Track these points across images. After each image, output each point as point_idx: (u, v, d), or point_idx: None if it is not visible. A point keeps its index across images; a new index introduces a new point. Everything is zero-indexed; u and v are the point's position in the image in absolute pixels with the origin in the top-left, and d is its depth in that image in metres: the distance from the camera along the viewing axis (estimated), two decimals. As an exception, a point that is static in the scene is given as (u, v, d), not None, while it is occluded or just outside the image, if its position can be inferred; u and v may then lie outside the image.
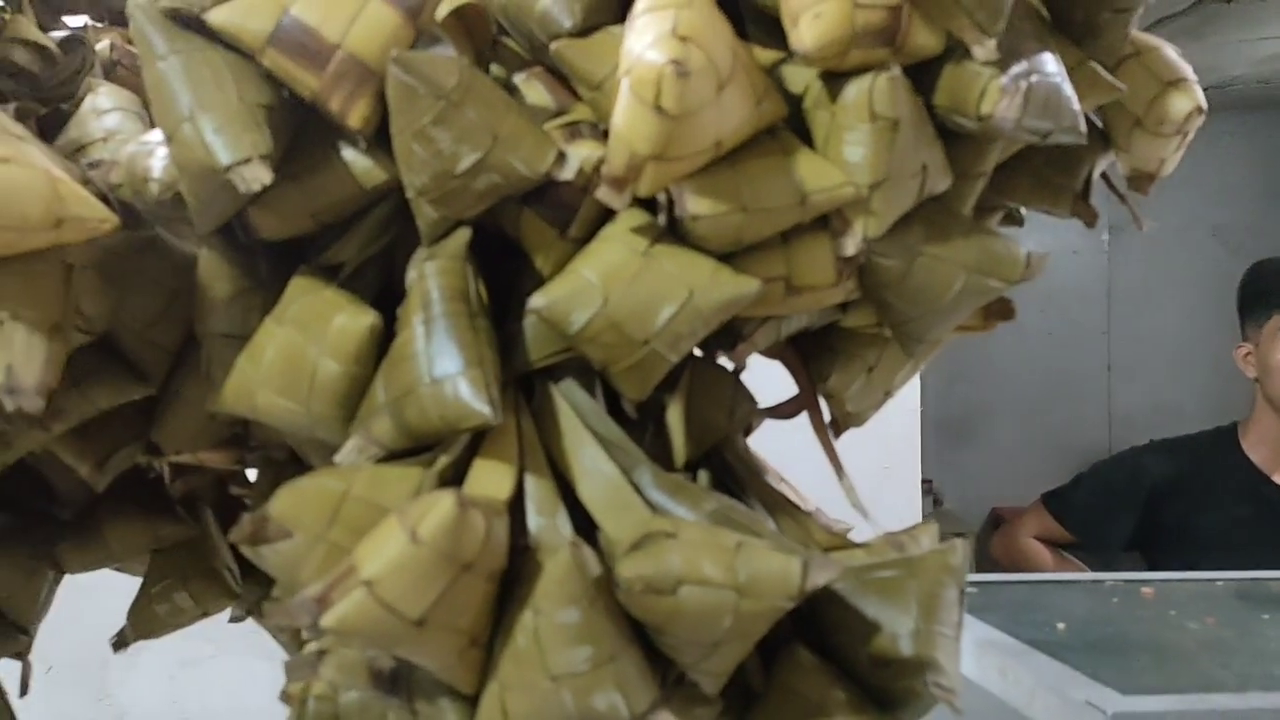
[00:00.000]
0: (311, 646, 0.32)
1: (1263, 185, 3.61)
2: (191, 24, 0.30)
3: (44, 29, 0.40)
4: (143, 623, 0.45)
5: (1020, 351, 3.63)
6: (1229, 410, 1.64)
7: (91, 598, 0.55)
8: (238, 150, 0.29)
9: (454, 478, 0.31)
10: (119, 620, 0.49)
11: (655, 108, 0.28)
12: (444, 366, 0.30)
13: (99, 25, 0.46)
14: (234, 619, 0.49)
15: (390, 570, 0.26)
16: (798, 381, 0.40)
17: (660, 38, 0.28)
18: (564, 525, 0.31)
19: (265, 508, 0.29)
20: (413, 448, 0.31)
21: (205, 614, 0.46)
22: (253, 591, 0.47)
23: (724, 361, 0.37)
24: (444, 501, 0.27)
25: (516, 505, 0.31)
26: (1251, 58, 2.82)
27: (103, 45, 0.40)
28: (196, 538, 0.46)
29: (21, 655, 0.46)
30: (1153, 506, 1.55)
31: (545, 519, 0.31)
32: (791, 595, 0.29)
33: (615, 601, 0.29)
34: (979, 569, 3.74)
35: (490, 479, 0.31)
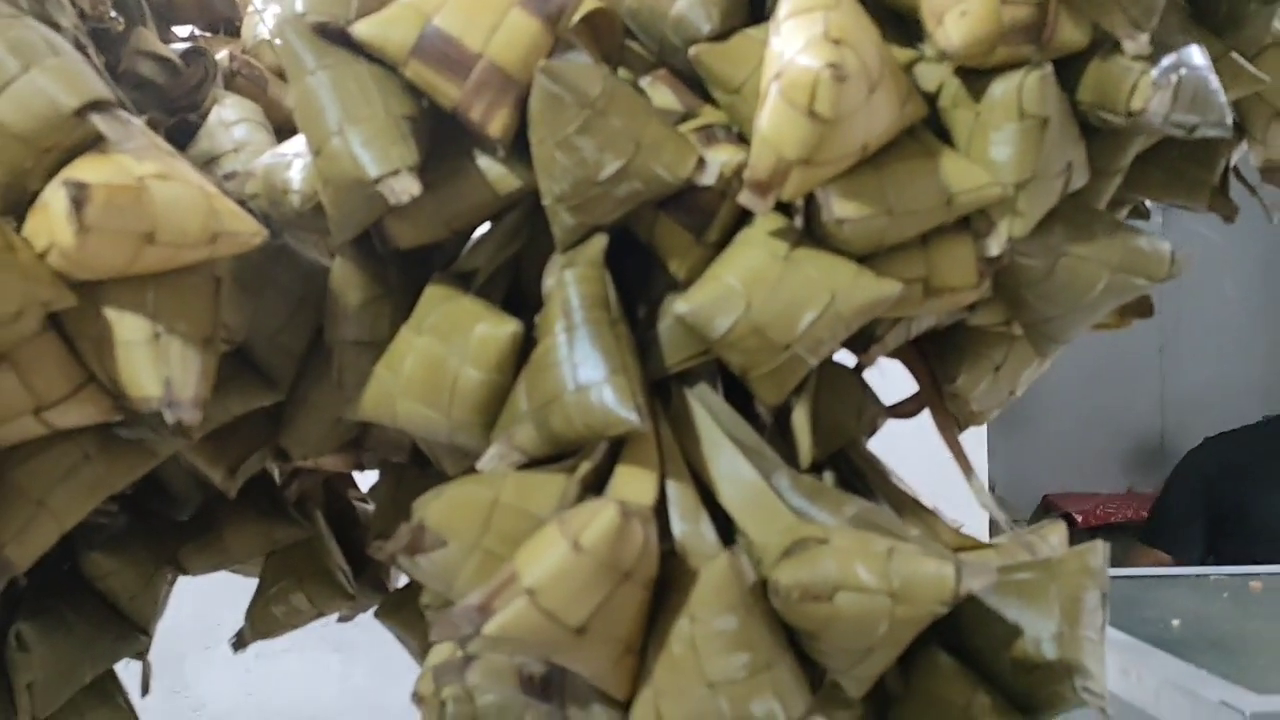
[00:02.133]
0: (448, 649, 0.33)
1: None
2: (337, 38, 0.30)
3: (165, 40, 0.40)
4: (261, 623, 0.46)
5: (1072, 335, 3.59)
6: (1281, 395, 1.61)
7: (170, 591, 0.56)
8: (386, 163, 0.29)
9: (596, 484, 0.31)
10: (196, 614, 0.49)
11: (809, 112, 0.28)
12: (588, 374, 0.30)
13: (208, 35, 0.46)
14: (343, 619, 0.50)
15: (552, 579, 0.27)
16: (920, 381, 0.40)
17: (812, 41, 0.28)
18: (708, 531, 0.31)
19: (418, 517, 0.29)
20: (554, 454, 0.32)
21: (320, 614, 0.47)
22: (365, 593, 0.47)
23: (848, 361, 0.37)
24: (606, 510, 0.27)
25: (659, 510, 0.31)
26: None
27: (221, 55, 0.41)
28: (310, 539, 0.46)
29: (142, 655, 0.47)
30: (1212, 500, 1.54)
31: (689, 524, 0.31)
32: (945, 600, 0.29)
33: (770, 608, 0.28)
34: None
35: (634, 485, 0.31)
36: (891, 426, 0.40)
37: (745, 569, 0.28)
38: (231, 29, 0.47)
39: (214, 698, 1.31)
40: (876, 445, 0.41)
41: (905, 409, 0.40)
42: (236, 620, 0.49)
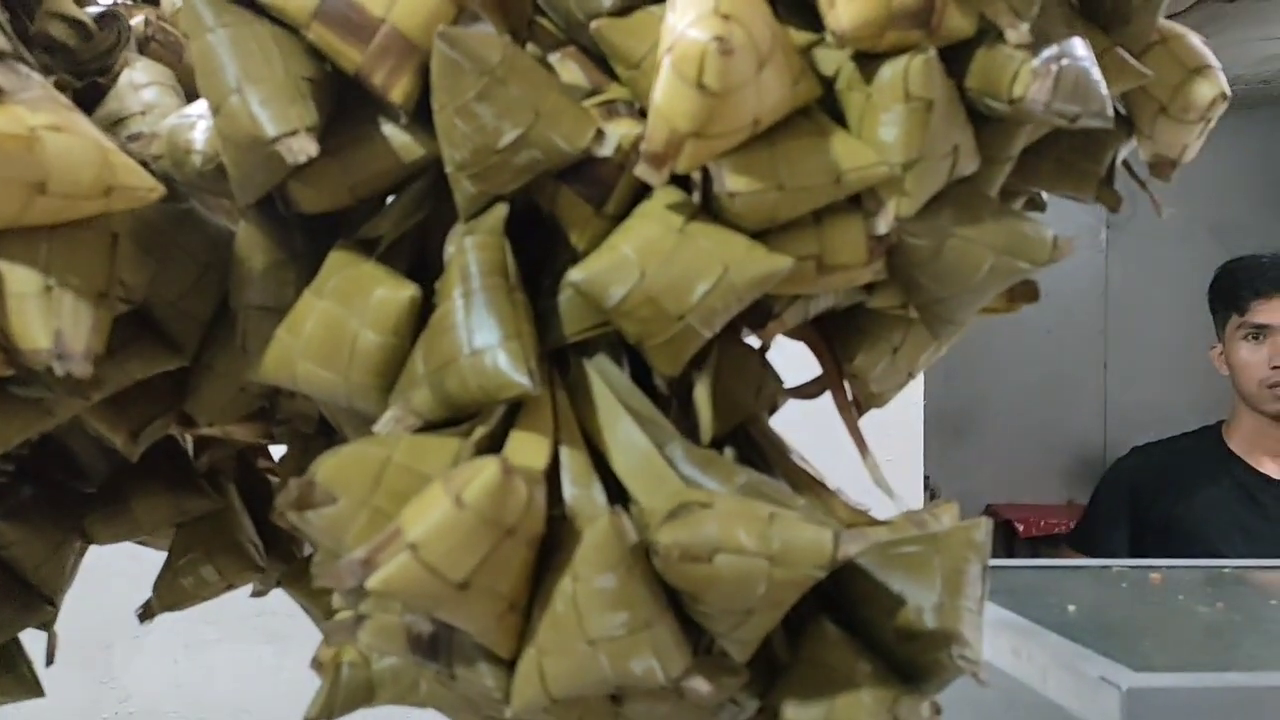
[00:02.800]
0: (347, 613, 0.33)
1: (1261, 184, 3.63)
2: (239, -2, 0.30)
3: (80, 4, 0.40)
4: (168, 595, 0.46)
5: (1017, 349, 3.64)
6: (1224, 409, 1.66)
7: (97, 581, 0.56)
8: (284, 122, 0.29)
9: (491, 448, 0.32)
10: (124, 603, 0.49)
11: (697, 85, 0.28)
12: (483, 338, 0.31)
13: (130, 2, 0.46)
14: (255, 594, 0.50)
15: (435, 533, 0.27)
16: (821, 362, 0.41)
17: (703, 15, 0.28)
18: (599, 495, 0.31)
19: (310, 474, 0.29)
20: (450, 418, 0.32)
21: (230, 587, 0.47)
22: (275, 566, 0.47)
23: (751, 340, 0.38)
24: (489, 467, 0.27)
25: (552, 475, 0.31)
26: (1253, 57, 2.84)
27: (137, 20, 0.41)
28: (221, 511, 0.46)
29: (47, 626, 0.47)
30: (1137, 507, 1.58)
31: (580, 489, 0.31)
32: (823, 564, 0.30)
33: (652, 569, 0.29)
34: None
35: (527, 449, 0.31)
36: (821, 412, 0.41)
37: (627, 529, 0.29)
38: (154, -1, 0.47)
39: (142, 689, 1.29)
40: (803, 429, 0.42)
41: (808, 390, 0.41)
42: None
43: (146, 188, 0.29)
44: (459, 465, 0.28)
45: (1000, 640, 0.61)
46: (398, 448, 0.30)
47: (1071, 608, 0.70)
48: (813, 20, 0.33)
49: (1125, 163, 0.40)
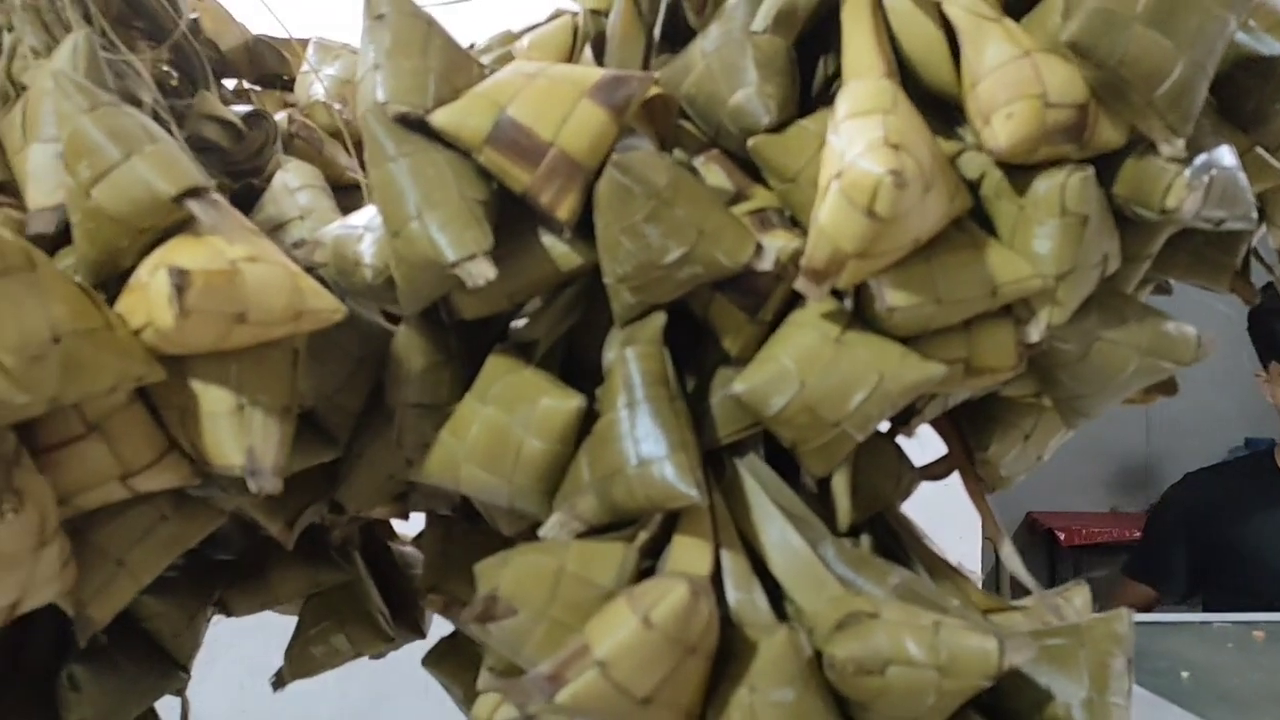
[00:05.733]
0: (486, 703, 0.34)
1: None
2: (416, 126, 0.31)
3: (225, 103, 0.42)
4: (301, 664, 0.47)
5: (1059, 356, 3.62)
6: (1268, 418, 1.63)
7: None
8: (463, 248, 0.31)
9: (653, 552, 0.33)
10: None
11: (868, 212, 0.29)
12: (650, 449, 0.32)
13: (258, 90, 0.48)
14: (374, 657, 0.51)
15: (622, 652, 0.28)
16: (950, 446, 0.41)
17: (873, 145, 0.29)
18: (760, 600, 0.32)
19: (493, 586, 0.30)
20: (611, 523, 0.33)
21: (358, 655, 0.48)
22: (402, 635, 0.49)
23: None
24: (678, 589, 0.28)
25: (714, 580, 0.32)
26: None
27: (280, 117, 0.42)
28: (350, 582, 0.48)
29: (180, 692, 0.48)
30: (1194, 535, 1.56)
31: (743, 593, 0.32)
32: (989, 675, 0.30)
33: (825, 680, 0.30)
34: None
35: (691, 555, 0.32)
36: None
37: (803, 644, 0.30)
38: (281, 84, 0.48)
39: (208, 715, 1.31)
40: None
41: (935, 471, 0.42)
42: (233, 635, 0.50)
43: (331, 309, 0.30)
44: (643, 582, 0.29)
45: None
46: (568, 556, 0.31)
47: (1185, 674, 0.69)
48: (952, 121, 0.34)
49: (1254, 248, 0.40)
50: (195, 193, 0.29)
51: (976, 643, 0.30)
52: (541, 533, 0.33)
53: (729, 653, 0.31)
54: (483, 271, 0.31)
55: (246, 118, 0.41)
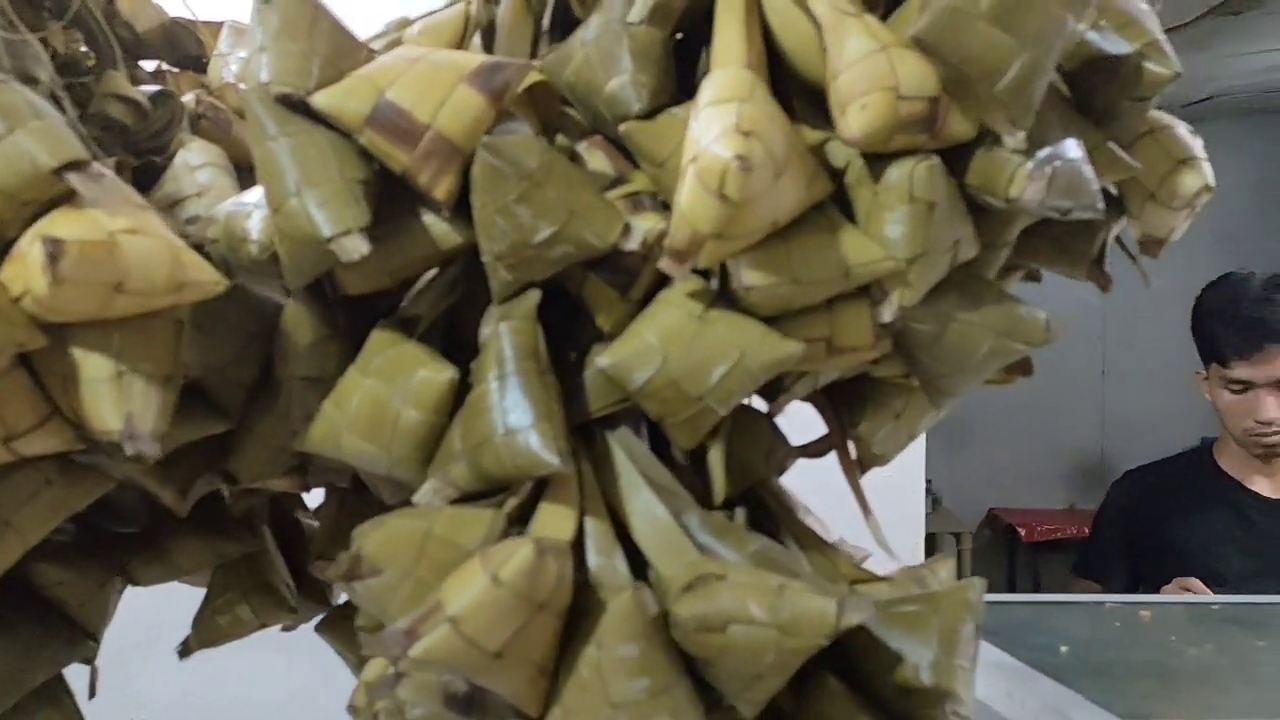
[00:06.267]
0: (380, 666, 0.36)
1: (1262, 193, 3.65)
2: (297, 107, 0.33)
3: (134, 83, 0.43)
4: (206, 633, 0.48)
5: (1018, 355, 3.68)
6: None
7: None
8: (339, 224, 0.32)
9: (521, 519, 0.34)
10: (135, 613, 0.51)
11: (719, 195, 0.31)
12: (517, 419, 0.33)
13: (175, 71, 0.49)
14: (285, 629, 0.53)
15: (473, 608, 0.30)
16: (828, 424, 0.43)
17: (726, 131, 0.31)
18: (620, 564, 0.34)
19: (357, 547, 0.32)
20: (484, 490, 0.35)
21: (263, 626, 0.49)
22: (307, 606, 0.50)
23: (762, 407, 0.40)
24: (525, 548, 0.30)
25: (577, 545, 0.34)
26: (1254, 68, 2.86)
27: (188, 98, 0.43)
28: (256, 554, 0.49)
29: (89, 660, 0.49)
30: (1132, 530, 1.59)
31: (604, 558, 0.34)
32: (828, 634, 0.32)
33: (670, 637, 0.32)
34: (974, 570, 3.78)
35: (555, 521, 0.34)
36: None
37: (648, 602, 0.31)
38: (198, 66, 0.49)
39: (155, 696, 1.31)
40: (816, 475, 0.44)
41: (814, 449, 0.44)
42: (179, 619, 0.51)
43: (213, 281, 0.32)
44: (496, 544, 0.31)
45: (996, 683, 0.64)
46: (437, 520, 0.33)
47: (1064, 648, 0.72)
48: (826, 115, 0.36)
49: (1119, 239, 0.42)
50: (77, 166, 0.30)
51: (817, 604, 0.32)
52: (415, 499, 0.34)
53: (585, 613, 0.32)
54: (357, 247, 0.32)
55: (153, 97, 0.42)
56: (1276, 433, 1.47)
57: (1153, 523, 1.57)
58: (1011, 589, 3.60)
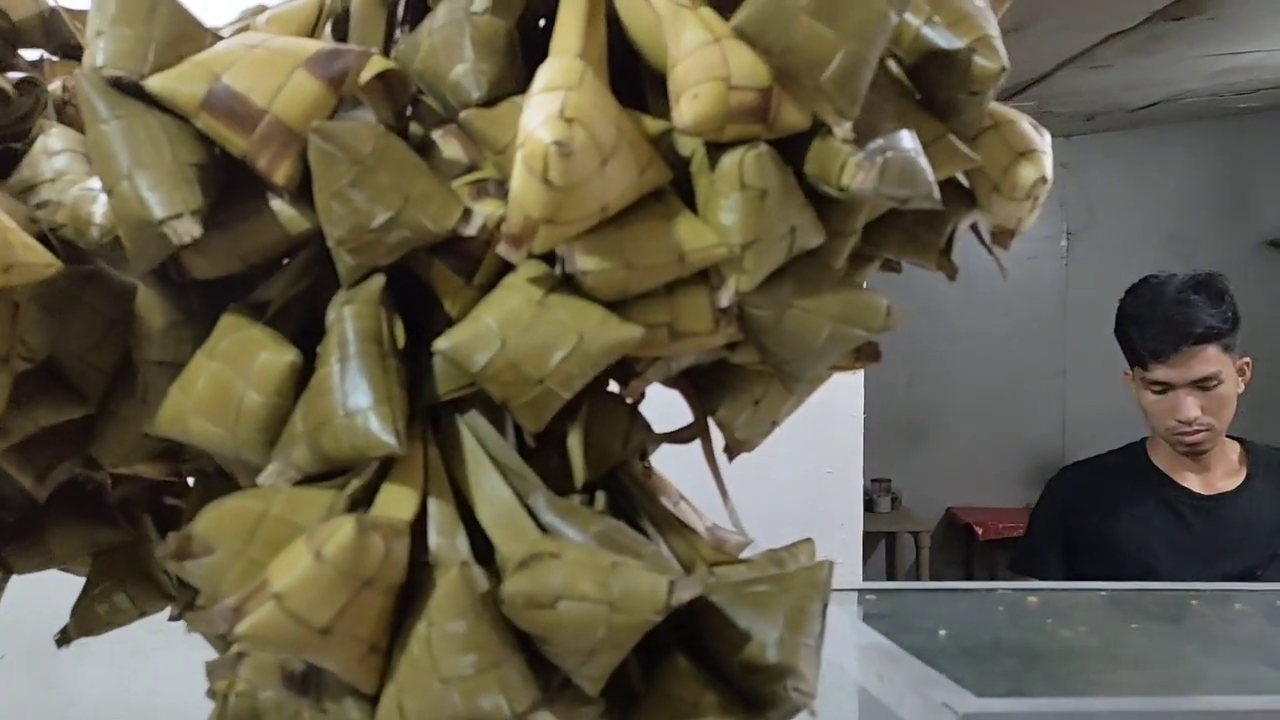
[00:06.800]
0: (232, 650, 0.36)
1: (1213, 195, 3.72)
2: (131, 90, 0.33)
3: (1, 63, 0.43)
4: (84, 621, 0.48)
5: (977, 355, 3.72)
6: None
7: (41, 589, 0.58)
8: (170, 206, 0.32)
9: (364, 500, 0.35)
10: (67, 609, 0.52)
11: (544, 180, 0.31)
12: (356, 401, 0.34)
13: (54, 60, 0.49)
14: (171, 618, 0.53)
15: (297, 585, 0.30)
16: (692, 410, 0.44)
17: (550, 117, 0.31)
18: (462, 544, 0.34)
19: (189, 526, 0.32)
20: (328, 472, 0.35)
21: (143, 614, 0.49)
22: (187, 594, 0.50)
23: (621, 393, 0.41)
24: (346, 525, 0.30)
25: (419, 526, 0.34)
26: (1202, 71, 2.91)
27: (55, 85, 0.43)
28: (135, 542, 0.49)
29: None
30: (1069, 526, 1.62)
31: (445, 539, 0.34)
32: (658, 610, 0.33)
33: (501, 614, 0.32)
34: (933, 569, 3.81)
35: (396, 501, 0.34)
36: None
37: (476, 578, 0.32)
38: (76, 54, 0.49)
39: (85, 694, 1.30)
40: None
41: (681, 435, 0.44)
42: None
43: (44, 264, 0.32)
44: (324, 522, 0.31)
45: (869, 664, 0.65)
46: (275, 501, 0.33)
47: (943, 632, 0.74)
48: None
49: (975, 228, 0.43)
50: (-99, 148, 0.30)
51: (647, 581, 0.33)
52: (259, 480, 0.35)
53: (421, 591, 0.33)
54: (189, 229, 0.32)
55: (17, 84, 0.42)
56: (1198, 431, 1.50)
57: (1087, 518, 1.59)
58: (968, 586, 3.63)
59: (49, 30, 0.49)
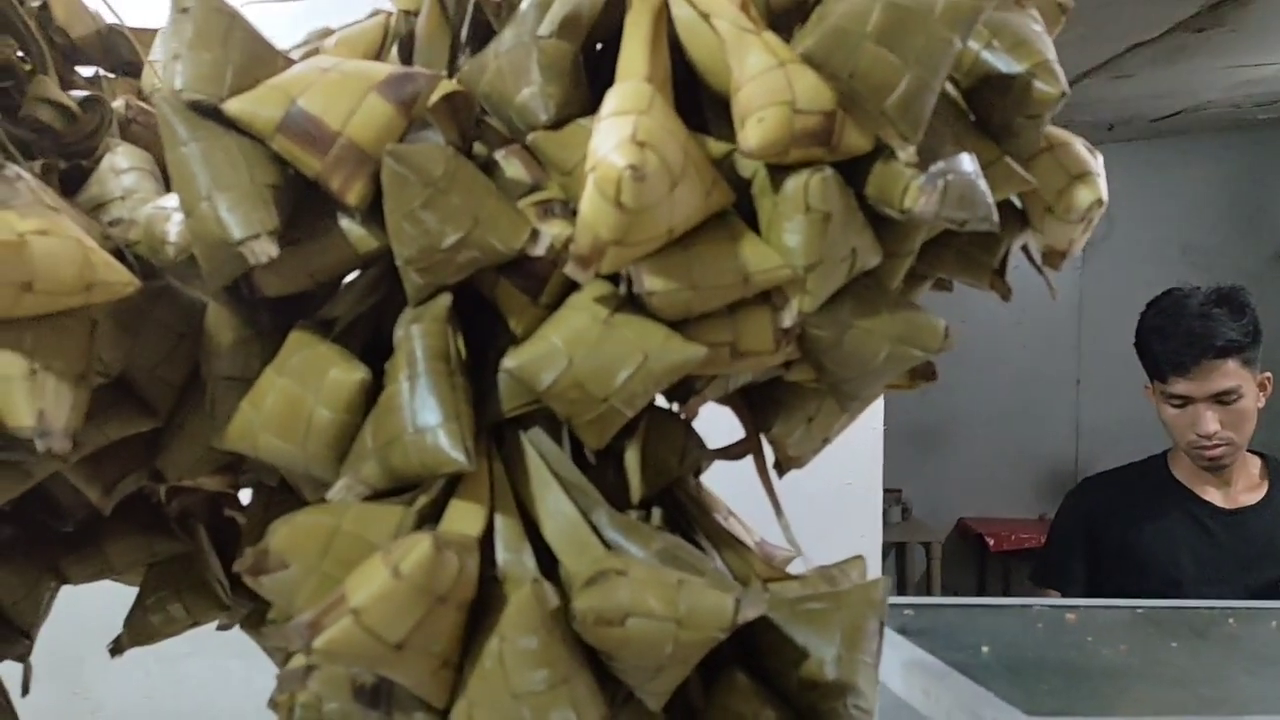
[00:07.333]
0: (299, 660, 0.36)
1: (1231, 205, 3.71)
2: (209, 113, 0.34)
3: (64, 87, 0.44)
4: (138, 630, 0.49)
5: (991, 364, 3.71)
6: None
7: (71, 595, 0.59)
8: (249, 227, 0.33)
9: (432, 516, 0.35)
10: (97, 617, 0.52)
11: (616, 203, 0.32)
12: (425, 419, 0.34)
13: (110, 76, 0.49)
14: (221, 628, 0.53)
15: (374, 601, 0.31)
16: (745, 427, 0.44)
17: (622, 141, 0.32)
18: (528, 560, 0.35)
19: (265, 541, 0.33)
20: (396, 488, 0.36)
21: (196, 624, 0.50)
22: (241, 604, 0.51)
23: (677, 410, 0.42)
24: (423, 543, 0.31)
25: (486, 541, 0.35)
26: (1223, 83, 2.91)
27: (118, 104, 0.44)
28: (190, 553, 0.50)
29: (23, 658, 0.50)
30: (1091, 538, 1.61)
31: (512, 554, 0.35)
32: (724, 627, 0.33)
33: (571, 630, 0.33)
34: (944, 580, 3.79)
35: (464, 518, 0.35)
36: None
37: (548, 595, 0.32)
38: (133, 71, 0.50)
39: (113, 701, 1.31)
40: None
41: (733, 451, 0.45)
42: None
43: (123, 282, 0.33)
44: (398, 538, 0.32)
45: (914, 680, 0.65)
46: (346, 516, 0.34)
47: (985, 649, 0.74)
48: (733, 125, 0.37)
49: (1025, 249, 0.44)
50: (-11, 169, 0.31)
51: (714, 599, 0.33)
52: (329, 496, 0.35)
53: (490, 607, 0.33)
54: (266, 250, 0.33)
55: (82, 102, 0.43)
56: (1218, 445, 1.49)
57: (1110, 530, 1.59)
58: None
59: (107, 47, 0.50)
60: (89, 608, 0.56)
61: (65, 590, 0.54)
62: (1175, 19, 2.26)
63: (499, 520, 0.35)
